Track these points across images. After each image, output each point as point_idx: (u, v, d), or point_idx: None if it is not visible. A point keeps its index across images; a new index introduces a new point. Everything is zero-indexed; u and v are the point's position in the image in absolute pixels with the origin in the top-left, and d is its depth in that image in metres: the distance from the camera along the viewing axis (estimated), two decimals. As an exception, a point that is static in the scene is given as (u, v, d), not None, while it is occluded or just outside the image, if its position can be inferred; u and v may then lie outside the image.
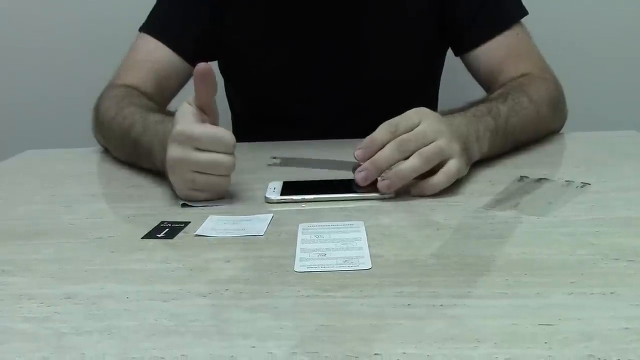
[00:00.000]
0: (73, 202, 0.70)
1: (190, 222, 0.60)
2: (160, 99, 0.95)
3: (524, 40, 0.98)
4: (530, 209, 0.60)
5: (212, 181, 0.65)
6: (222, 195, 0.67)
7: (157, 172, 0.72)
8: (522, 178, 0.69)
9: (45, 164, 0.93)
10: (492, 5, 0.98)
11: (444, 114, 0.72)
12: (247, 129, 1.12)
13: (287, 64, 1.01)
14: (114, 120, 0.84)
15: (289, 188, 0.68)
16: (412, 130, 0.65)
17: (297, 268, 0.49)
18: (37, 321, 0.42)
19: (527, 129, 0.83)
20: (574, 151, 0.89)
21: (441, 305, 0.42)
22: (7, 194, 0.76)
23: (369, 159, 0.65)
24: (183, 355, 0.37)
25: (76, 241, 0.57)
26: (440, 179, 0.64)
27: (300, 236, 0.55)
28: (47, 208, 0.69)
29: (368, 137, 0.65)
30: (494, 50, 0.97)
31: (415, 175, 0.64)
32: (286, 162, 0.83)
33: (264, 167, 0.82)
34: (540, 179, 0.69)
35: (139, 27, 1.01)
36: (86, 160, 0.93)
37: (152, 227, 0.59)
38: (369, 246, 0.52)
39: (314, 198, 0.66)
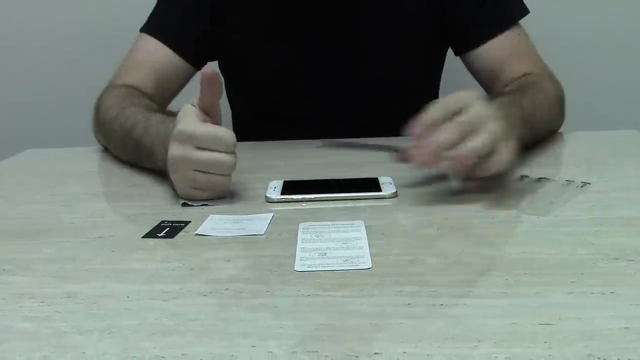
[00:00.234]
0: (73, 201, 0.70)
1: (190, 221, 0.60)
2: (160, 99, 0.95)
3: (524, 39, 0.99)
4: (530, 209, 0.60)
5: (213, 180, 0.65)
6: (223, 195, 0.67)
7: (159, 172, 0.72)
8: (522, 177, 0.70)
9: (45, 164, 0.93)
10: (493, 4, 0.98)
11: None
12: (247, 128, 1.12)
13: (287, 63, 1.01)
14: (115, 120, 0.84)
15: (290, 187, 0.69)
16: (465, 111, 0.61)
17: (297, 267, 0.49)
18: (38, 320, 0.42)
19: (543, 124, 0.83)
20: (574, 151, 0.89)
21: (441, 304, 0.42)
22: (7, 193, 0.76)
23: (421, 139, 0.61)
24: (183, 354, 0.37)
25: (77, 240, 0.57)
26: (495, 163, 0.62)
27: (300, 235, 0.56)
28: (48, 207, 0.69)
29: (423, 118, 0.62)
30: (495, 50, 0.97)
31: (475, 157, 0.61)
32: (329, 143, 0.87)
33: (264, 166, 0.82)
34: (541, 178, 0.69)
35: (139, 27, 1.01)
36: (86, 159, 0.93)
37: (153, 226, 0.59)
38: (369, 245, 0.52)
39: (315, 197, 0.66)
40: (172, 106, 0.98)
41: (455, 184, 0.67)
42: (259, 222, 0.59)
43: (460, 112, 0.61)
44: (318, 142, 0.85)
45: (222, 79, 0.65)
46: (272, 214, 0.62)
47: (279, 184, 0.70)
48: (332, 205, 0.64)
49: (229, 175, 0.65)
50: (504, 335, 0.37)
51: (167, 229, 0.59)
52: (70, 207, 0.68)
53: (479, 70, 1.00)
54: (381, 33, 0.99)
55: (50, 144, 1.06)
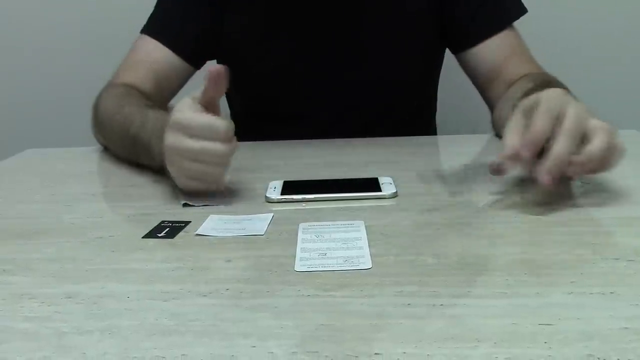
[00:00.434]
0: (73, 201, 0.70)
1: (190, 221, 0.60)
2: (159, 98, 0.96)
3: (520, 40, 0.99)
4: (530, 208, 0.60)
5: (206, 170, 0.64)
6: (219, 187, 0.66)
7: (157, 168, 0.72)
8: (520, 177, 0.70)
9: (45, 163, 0.93)
10: (492, 3, 0.98)
11: (525, 95, 0.70)
12: (245, 127, 1.12)
13: (286, 62, 1.01)
14: (113, 118, 0.85)
15: (290, 187, 0.69)
16: (566, 115, 0.59)
17: (297, 267, 0.49)
18: (38, 320, 0.42)
19: None
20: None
21: (441, 304, 0.42)
22: (7, 193, 0.76)
23: (534, 151, 0.59)
24: (183, 354, 0.37)
25: (77, 240, 0.57)
26: (616, 156, 0.61)
27: (300, 236, 0.56)
28: (48, 207, 0.69)
29: (532, 133, 0.58)
30: (495, 48, 0.97)
31: (604, 154, 0.59)
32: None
33: (264, 166, 0.82)
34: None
35: (138, 27, 1.01)
36: (86, 159, 0.93)
37: (153, 226, 0.59)
38: (369, 246, 0.52)
39: (315, 197, 0.66)
40: (172, 104, 0.99)
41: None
42: (259, 222, 0.59)
43: (560, 117, 0.59)
44: (317, 142, 0.85)
45: (226, 77, 0.65)
46: (272, 214, 0.62)
47: (279, 184, 0.70)
48: (332, 206, 0.64)
49: (222, 164, 0.64)
50: (504, 336, 0.37)
51: (167, 229, 0.59)
52: (71, 207, 0.68)
53: (476, 70, 1.00)
54: (380, 32, 0.99)
55: (50, 144, 1.06)
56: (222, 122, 0.63)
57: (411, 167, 0.79)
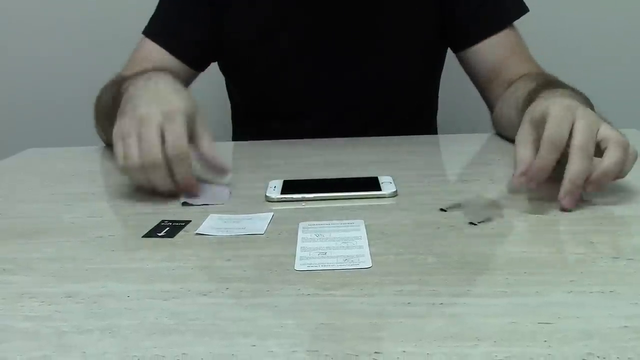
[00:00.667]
0: (74, 200, 0.70)
1: (190, 221, 0.60)
2: None
3: (521, 39, 0.99)
4: (529, 207, 0.60)
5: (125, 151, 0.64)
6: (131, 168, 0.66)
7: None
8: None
9: (45, 163, 0.93)
10: (492, 3, 0.98)
11: (530, 97, 0.69)
12: (246, 123, 1.12)
13: (287, 61, 1.01)
14: (106, 105, 0.85)
15: (290, 187, 0.69)
16: (580, 129, 0.58)
17: (297, 267, 0.49)
18: (38, 320, 0.42)
19: None
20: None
21: (441, 303, 0.42)
22: (7, 192, 0.76)
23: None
24: (184, 353, 0.37)
25: (77, 240, 0.57)
26: (630, 161, 0.60)
27: (300, 235, 0.56)
28: (48, 207, 0.69)
29: (535, 165, 0.59)
30: (495, 48, 0.97)
31: (620, 167, 0.58)
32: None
33: (264, 166, 0.82)
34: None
35: (140, 27, 1.02)
36: (87, 158, 0.93)
37: (153, 226, 0.60)
38: (369, 245, 0.52)
39: (315, 197, 0.66)
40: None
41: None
42: (259, 222, 0.59)
43: (571, 130, 0.58)
44: (317, 141, 0.86)
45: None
46: (272, 214, 0.62)
47: (278, 184, 0.70)
48: (332, 205, 0.65)
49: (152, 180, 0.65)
50: (504, 334, 0.37)
51: (167, 228, 0.59)
52: (71, 206, 0.68)
53: (477, 69, 1.00)
54: (381, 31, 0.99)
55: (51, 144, 1.06)
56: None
57: (411, 166, 0.79)
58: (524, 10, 0.99)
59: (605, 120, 0.62)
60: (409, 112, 1.06)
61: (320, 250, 0.52)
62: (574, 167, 0.57)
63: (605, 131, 0.59)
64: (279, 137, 0.98)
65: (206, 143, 0.67)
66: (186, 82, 1.02)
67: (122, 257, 0.53)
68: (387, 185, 0.67)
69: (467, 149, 0.92)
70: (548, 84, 0.80)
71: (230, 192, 0.68)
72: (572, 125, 0.58)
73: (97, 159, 0.92)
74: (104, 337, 0.39)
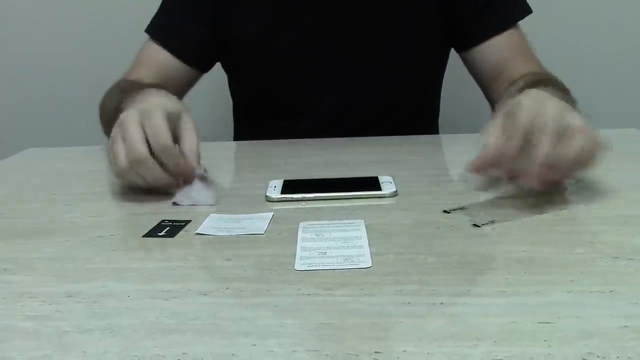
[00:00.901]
0: (74, 200, 0.70)
1: (190, 220, 0.60)
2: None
3: (525, 39, 0.99)
4: (527, 207, 0.60)
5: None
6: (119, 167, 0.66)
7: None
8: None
9: (46, 163, 0.93)
10: (497, 3, 0.98)
11: (516, 92, 0.70)
12: (247, 122, 1.12)
13: (289, 60, 1.01)
14: (110, 109, 0.85)
15: (290, 186, 0.69)
16: (544, 118, 0.59)
17: (297, 266, 0.49)
18: (39, 319, 0.42)
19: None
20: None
21: (441, 303, 0.42)
22: (8, 192, 0.77)
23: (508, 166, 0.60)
24: (184, 353, 0.37)
25: (77, 240, 0.57)
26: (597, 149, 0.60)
27: (300, 235, 0.56)
28: (48, 206, 0.69)
29: (494, 148, 0.59)
30: (499, 48, 0.97)
31: (580, 155, 0.58)
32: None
33: (264, 165, 0.82)
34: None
35: (140, 26, 1.02)
36: (87, 158, 0.93)
37: (153, 225, 0.60)
38: (369, 244, 0.52)
39: (315, 196, 0.66)
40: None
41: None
42: (259, 222, 0.59)
43: (539, 120, 0.59)
44: (317, 141, 0.86)
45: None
46: (272, 213, 0.62)
47: (279, 183, 0.70)
48: (332, 205, 0.65)
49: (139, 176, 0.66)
50: (504, 334, 0.37)
51: (168, 228, 0.59)
52: (71, 206, 0.68)
53: (480, 69, 1.00)
54: (384, 31, 0.99)
55: (51, 144, 1.06)
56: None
57: (411, 166, 0.79)
58: (527, 11, 1.00)
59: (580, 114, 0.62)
60: (410, 112, 1.06)
61: (321, 250, 0.52)
62: (541, 150, 0.57)
63: (571, 120, 0.59)
64: (280, 136, 0.98)
65: (187, 142, 0.67)
66: (190, 83, 1.02)
67: (122, 256, 0.53)
68: (387, 185, 0.67)
69: (468, 148, 0.92)
70: (538, 82, 0.80)
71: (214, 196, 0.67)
72: (541, 114, 0.59)
73: (97, 159, 0.92)
74: (104, 336, 0.39)
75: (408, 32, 1.00)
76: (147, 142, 0.64)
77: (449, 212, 0.60)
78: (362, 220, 0.58)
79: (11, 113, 1.60)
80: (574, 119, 0.60)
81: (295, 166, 0.81)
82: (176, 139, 0.67)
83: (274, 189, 0.68)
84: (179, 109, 0.69)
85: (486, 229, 0.56)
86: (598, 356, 0.35)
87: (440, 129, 1.17)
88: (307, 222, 0.59)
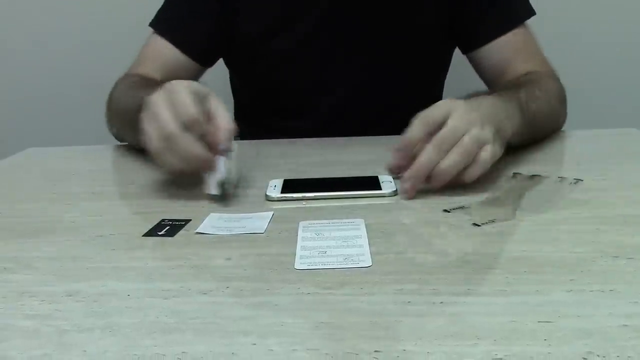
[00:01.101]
0: (74, 200, 0.70)
1: (190, 219, 0.60)
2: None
3: (530, 39, 0.99)
4: (527, 206, 0.60)
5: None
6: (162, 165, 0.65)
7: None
8: (514, 175, 0.70)
9: (46, 162, 0.93)
10: (501, 4, 0.98)
11: (469, 97, 0.72)
12: (248, 120, 1.12)
13: (292, 59, 1.01)
14: (123, 103, 0.85)
15: (290, 186, 0.69)
16: (443, 122, 0.64)
17: (297, 266, 0.49)
18: (39, 318, 0.42)
19: (542, 117, 0.84)
20: (574, 149, 0.89)
21: (441, 302, 0.42)
22: (8, 191, 0.77)
23: (407, 158, 0.65)
24: (184, 352, 0.37)
25: (77, 239, 0.57)
26: (476, 169, 0.64)
27: (300, 234, 0.56)
28: (49, 206, 0.69)
29: (403, 139, 0.65)
30: (502, 48, 0.98)
31: (456, 171, 0.63)
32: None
33: (264, 165, 0.82)
34: (533, 175, 0.69)
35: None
36: (87, 158, 0.93)
37: (153, 224, 0.60)
38: (369, 244, 0.52)
39: (315, 196, 0.66)
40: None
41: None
42: (259, 221, 0.60)
43: (442, 125, 0.63)
44: (317, 140, 0.85)
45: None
46: (272, 213, 0.62)
47: (279, 183, 0.70)
48: (332, 204, 0.65)
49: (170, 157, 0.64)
50: (504, 333, 0.37)
51: (168, 227, 0.59)
52: (71, 205, 0.68)
53: (485, 68, 1.01)
54: (388, 31, 0.99)
55: (52, 143, 1.06)
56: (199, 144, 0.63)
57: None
58: (530, 12, 1.00)
59: (501, 129, 0.67)
60: (411, 112, 1.06)
61: (321, 249, 0.52)
62: (420, 159, 0.63)
63: (468, 134, 0.63)
64: (280, 135, 0.98)
65: (219, 119, 0.66)
66: (194, 77, 1.02)
67: (122, 256, 0.53)
68: (387, 185, 0.67)
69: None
70: (511, 86, 0.84)
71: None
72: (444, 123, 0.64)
73: (97, 159, 0.92)
74: (104, 335, 0.39)
75: (411, 32, 1.00)
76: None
77: (449, 212, 0.60)
78: (362, 220, 0.58)
79: (11, 113, 1.60)
80: (470, 133, 0.63)
81: (295, 165, 0.81)
82: (205, 120, 0.65)
83: (274, 189, 0.68)
84: (204, 90, 0.68)
85: (486, 228, 0.56)
86: (598, 355, 0.35)
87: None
88: (307, 222, 0.59)
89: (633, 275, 0.45)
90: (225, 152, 0.65)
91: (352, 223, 0.58)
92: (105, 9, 1.50)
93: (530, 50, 0.98)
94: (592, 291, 0.43)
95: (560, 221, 0.57)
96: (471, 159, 0.63)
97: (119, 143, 0.97)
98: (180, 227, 0.59)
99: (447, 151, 0.63)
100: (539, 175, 0.69)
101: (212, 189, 0.65)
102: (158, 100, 0.65)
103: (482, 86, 1.03)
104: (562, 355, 0.35)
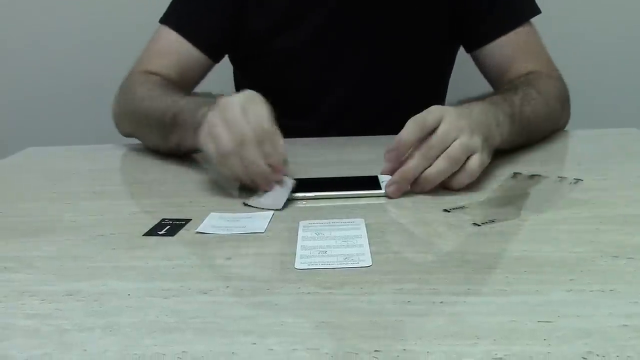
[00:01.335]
0: (74, 199, 0.70)
1: (191, 219, 0.60)
2: (183, 88, 0.95)
3: (534, 38, 0.99)
4: (527, 206, 0.60)
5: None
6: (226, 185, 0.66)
7: (190, 146, 0.74)
8: (514, 175, 0.70)
9: (46, 162, 0.93)
10: (505, 2, 0.98)
11: (460, 103, 0.72)
12: None
13: (297, 58, 1.01)
14: (148, 102, 0.84)
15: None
16: (436, 127, 0.64)
17: (297, 265, 0.49)
18: (40, 318, 0.42)
19: (539, 119, 0.84)
20: (575, 149, 0.89)
21: (441, 302, 0.42)
22: (9, 191, 0.77)
23: (399, 160, 0.65)
24: (184, 351, 0.37)
25: (78, 238, 0.58)
26: (464, 177, 0.65)
27: (300, 233, 0.56)
28: (49, 205, 0.69)
29: (396, 138, 0.65)
30: (505, 46, 0.98)
31: (443, 178, 0.64)
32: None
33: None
34: (533, 175, 0.69)
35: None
36: (87, 157, 0.93)
37: (154, 224, 0.60)
38: (369, 243, 0.53)
39: (315, 195, 0.66)
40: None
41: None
42: (259, 221, 0.60)
43: (434, 130, 0.64)
44: (317, 140, 0.85)
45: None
46: (272, 212, 0.62)
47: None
48: (332, 203, 0.65)
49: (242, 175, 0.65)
50: (504, 333, 0.37)
51: (168, 227, 0.59)
52: (72, 205, 0.68)
53: (488, 67, 1.01)
54: (394, 31, 0.99)
55: (52, 142, 1.06)
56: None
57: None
58: (535, 11, 1.00)
59: (489, 137, 0.68)
60: (413, 112, 1.06)
61: (321, 249, 0.52)
62: (408, 164, 0.64)
63: (456, 141, 0.64)
64: (282, 134, 0.98)
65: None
66: (203, 74, 1.02)
67: (122, 255, 0.53)
68: (388, 184, 0.67)
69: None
70: (509, 89, 0.84)
71: (288, 199, 0.65)
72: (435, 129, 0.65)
73: (97, 158, 0.92)
74: (104, 335, 0.39)
75: (416, 32, 1.00)
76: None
77: (449, 211, 0.60)
78: (362, 219, 0.58)
79: (11, 113, 1.60)
80: (459, 140, 0.64)
81: (295, 165, 0.81)
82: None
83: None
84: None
85: (486, 228, 0.56)
86: (598, 355, 0.35)
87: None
88: (307, 221, 0.59)
89: (633, 275, 0.45)
90: (287, 182, 0.66)
91: (352, 223, 0.58)
92: (105, 9, 1.50)
93: (533, 50, 0.98)
94: (592, 291, 0.43)
95: (560, 221, 0.57)
96: (458, 167, 0.64)
97: (119, 143, 0.97)
98: (181, 226, 0.59)
99: (435, 158, 0.64)
100: (539, 175, 0.69)
101: (258, 202, 0.64)
102: (234, 104, 0.66)
103: (487, 86, 1.03)
104: (562, 355, 0.35)
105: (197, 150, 0.78)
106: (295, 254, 0.51)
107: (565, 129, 0.94)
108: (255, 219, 0.60)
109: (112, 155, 0.92)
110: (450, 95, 1.15)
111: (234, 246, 0.54)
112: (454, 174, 0.65)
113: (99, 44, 1.52)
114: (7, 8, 1.53)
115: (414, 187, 0.65)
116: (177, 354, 0.37)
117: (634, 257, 0.48)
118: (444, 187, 0.65)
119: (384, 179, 0.69)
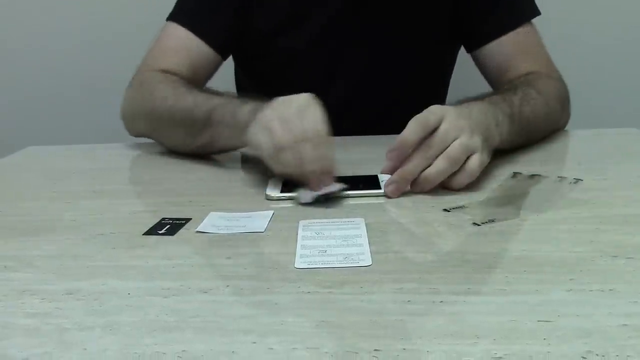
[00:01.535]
0: (74, 198, 0.70)
1: (191, 218, 0.60)
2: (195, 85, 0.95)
3: (534, 39, 0.99)
4: (527, 206, 0.60)
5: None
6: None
7: (235, 142, 0.74)
8: (514, 175, 0.70)
9: (46, 161, 0.93)
10: (505, 3, 0.99)
11: (459, 103, 0.72)
12: None
13: (299, 58, 1.01)
14: (172, 102, 0.84)
15: (290, 185, 0.69)
16: (437, 127, 0.64)
17: (297, 265, 0.49)
18: (40, 317, 0.42)
19: (538, 120, 0.84)
20: (574, 148, 0.89)
21: (441, 301, 0.42)
22: (9, 190, 0.77)
23: (401, 159, 0.65)
24: (184, 350, 0.37)
25: (78, 237, 0.58)
26: (463, 177, 0.65)
27: (300, 233, 0.56)
28: (49, 204, 0.69)
29: (399, 138, 0.65)
30: (505, 47, 0.98)
31: (443, 178, 0.64)
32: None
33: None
34: (533, 175, 0.69)
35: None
36: (87, 156, 0.94)
37: (153, 223, 0.60)
38: (369, 243, 0.53)
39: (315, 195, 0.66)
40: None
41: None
42: (259, 220, 0.60)
43: (435, 130, 0.64)
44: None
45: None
46: (272, 212, 0.62)
47: (279, 182, 0.70)
48: (332, 203, 0.65)
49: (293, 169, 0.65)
50: (504, 332, 0.38)
51: (168, 226, 0.59)
52: (72, 204, 0.68)
53: (488, 67, 1.01)
54: (396, 31, 1.00)
55: (52, 141, 1.06)
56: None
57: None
58: (535, 12, 1.00)
59: (489, 137, 0.68)
60: (413, 112, 1.06)
61: (321, 249, 0.52)
62: (408, 164, 0.64)
63: (456, 141, 0.64)
64: None
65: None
66: (212, 72, 1.01)
67: (122, 254, 0.53)
68: (388, 184, 0.67)
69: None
70: (508, 89, 0.84)
71: (314, 197, 0.64)
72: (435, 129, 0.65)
73: (97, 157, 0.92)
74: (104, 334, 0.39)
75: (418, 32, 1.00)
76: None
77: (449, 211, 0.60)
78: (362, 219, 0.58)
79: (12, 111, 1.60)
80: (458, 141, 0.64)
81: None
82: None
83: (274, 188, 0.68)
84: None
85: (486, 227, 0.56)
86: (597, 354, 0.35)
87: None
88: (307, 221, 0.59)
89: (633, 275, 0.45)
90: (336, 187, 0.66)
91: (352, 222, 0.58)
92: (105, 9, 1.50)
93: (533, 50, 0.98)
94: (591, 291, 0.43)
95: (560, 221, 0.57)
96: (458, 167, 0.64)
97: (119, 142, 0.97)
98: (181, 225, 0.59)
99: (434, 157, 0.64)
100: (539, 175, 0.69)
101: (308, 198, 0.64)
102: (293, 105, 0.66)
103: (487, 86, 1.03)
104: (562, 355, 0.35)
105: (228, 149, 0.78)
106: (295, 254, 0.51)
107: (565, 129, 0.94)
108: (255, 219, 0.60)
109: (112, 155, 0.92)
110: (450, 95, 1.15)
111: (233, 245, 0.54)
112: (454, 174, 0.65)
113: (99, 44, 1.51)
114: (7, 8, 1.53)
115: (414, 187, 0.65)
116: (177, 353, 0.37)
117: (633, 257, 0.48)
118: (444, 187, 0.65)
119: (383, 179, 0.69)
